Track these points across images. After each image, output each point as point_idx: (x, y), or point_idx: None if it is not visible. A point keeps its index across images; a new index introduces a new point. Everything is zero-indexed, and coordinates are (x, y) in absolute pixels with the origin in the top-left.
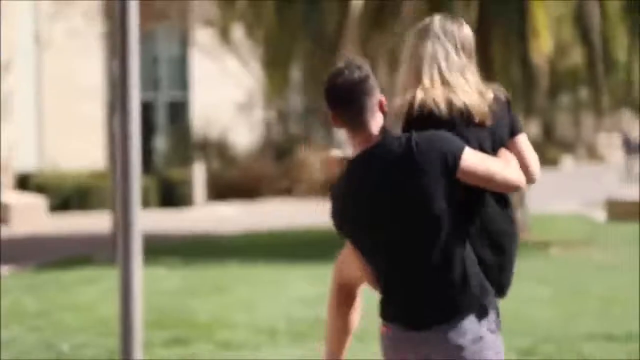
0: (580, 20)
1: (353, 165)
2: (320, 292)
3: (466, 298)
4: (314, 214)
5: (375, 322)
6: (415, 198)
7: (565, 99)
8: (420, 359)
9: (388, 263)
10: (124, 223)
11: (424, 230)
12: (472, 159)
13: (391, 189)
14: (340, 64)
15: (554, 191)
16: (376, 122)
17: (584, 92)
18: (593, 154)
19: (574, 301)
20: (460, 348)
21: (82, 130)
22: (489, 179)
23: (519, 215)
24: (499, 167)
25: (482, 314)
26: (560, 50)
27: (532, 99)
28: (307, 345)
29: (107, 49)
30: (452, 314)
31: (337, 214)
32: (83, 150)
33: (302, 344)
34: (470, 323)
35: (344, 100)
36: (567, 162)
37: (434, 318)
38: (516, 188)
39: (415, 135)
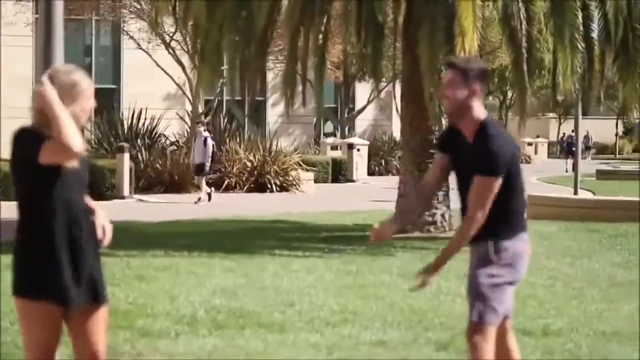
0: (506, 22)
1: None
2: (240, 283)
3: None
4: (239, 205)
5: None
6: None
7: (492, 100)
8: None
9: None
10: None
11: None
12: None
13: None
14: None
15: None
16: None
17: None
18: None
19: None
20: None
21: (12, 118)
22: None
23: (442, 212)
24: None
25: None
26: (489, 52)
27: None
28: (226, 334)
29: (37, 37)
30: None
31: None
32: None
33: (221, 332)
34: None
35: None
36: None
37: None
38: None
39: None
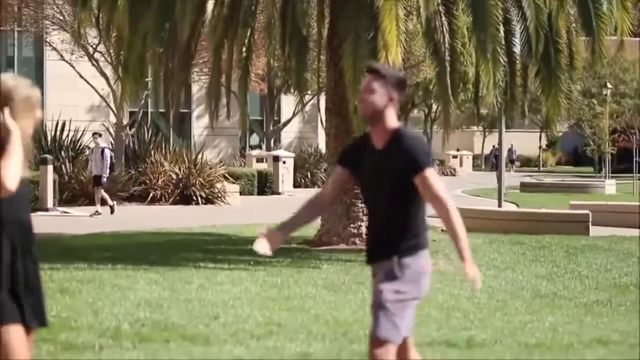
0: (429, 35)
1: None
2: (164, 295)
3: None
4: (164, 218)
5: None
6: None
7: (417, 113)
8: None
9: None
10: None
11: None
12: None
13: None
14: None
15: None
16: None
17: (435, 107)
18: (443, 167)
19: (417, 308)
20: None
21: None
22: None
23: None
24: None
25: None
26: (413, 66)
27: None
28: (150, 347)
29: None
30: None
31: None
32: None
33: (145, 345)
34: None
35: None
36: None
37: None
38: None
39: None
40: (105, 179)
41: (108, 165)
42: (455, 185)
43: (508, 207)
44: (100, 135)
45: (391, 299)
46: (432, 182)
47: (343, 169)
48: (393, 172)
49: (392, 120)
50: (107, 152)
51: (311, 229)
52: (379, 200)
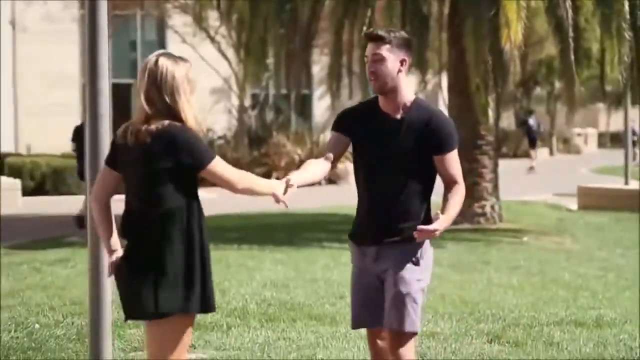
0: (552, 12)
1: None
2: (290, 275)
3: None
4: (289, 199)
5: None
6: None
7: (540, 91)
8: None
9: None
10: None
11: None
12: None
13: None
14: None
15: (528, 181)
16: None
17: (558, 85)
18: (568, 146)
19: (544, 288)
20: None
21: (57, 114)
22: None
23: (492, 204)
24: None
25: None
26: (536, 43)
27: (504, 91)
28: (277, 327)
29: (83, 33)
30: None
31: None
32: (58, 135)
33: (272, 325)
34: None
35: None
36: (542, 153)
37: None
38: None
39: None
40: None
41: None
42: (580, 164)
43: (635, 184)
44: None
45: (416, 289)
46: (450, 166)
47: (345, 136)
48: (412, 145)
49: (407, 89)
50: None
51: (435, 208)
52: (390, 174)
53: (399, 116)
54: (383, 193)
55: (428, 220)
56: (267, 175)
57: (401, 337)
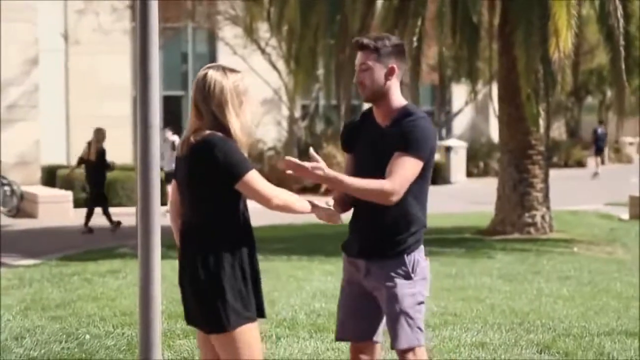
0: (603, 20)
1: None
2: (339, 286)
3: None
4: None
5: None
6: None
7: (592, 100)
8: None
9: None
10: (143, 216)
11: None
12: None
13: None
14: None
15: (579, 191)
16: None
17: (610, 93)
18: (619, 154)
19: (595, 298)
20: None
21: (108, 125)
22: None
23: (543, 214)
24: None
25: None
26: (587, 52)
27: (555, 100)
28: (326, 338)
29: (134, 45)
30: None
31: None
32: (110, 146)
33: (321, 335)
34: None
35: None
36: (593, 162)
37: None
38: None
39: None
40: None
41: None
42: (633, 173)
43: None
44: (171, 128)
45: (411, 304)
46: (400, 164)
47: (350, 155)
48: (393, 154)
49: (397, 97)
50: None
51: (485, 219)
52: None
53: (384, 125)
54: (369, 207)
55: (416, 230)
56: (317, 186)
57: (404, 354)
